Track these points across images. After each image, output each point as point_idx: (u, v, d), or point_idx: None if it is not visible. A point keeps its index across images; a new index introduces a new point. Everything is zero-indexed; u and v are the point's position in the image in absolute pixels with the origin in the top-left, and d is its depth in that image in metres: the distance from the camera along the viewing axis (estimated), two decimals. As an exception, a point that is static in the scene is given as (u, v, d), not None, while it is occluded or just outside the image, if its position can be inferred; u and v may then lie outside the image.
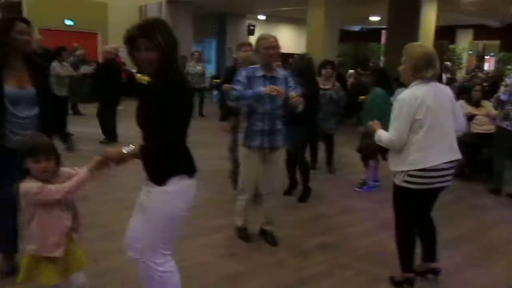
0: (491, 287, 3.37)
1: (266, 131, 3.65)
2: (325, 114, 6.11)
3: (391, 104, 5.21)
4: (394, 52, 12.47)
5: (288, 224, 4.38)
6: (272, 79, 3.61)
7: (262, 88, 3.47)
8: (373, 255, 3.80)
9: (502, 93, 5.45)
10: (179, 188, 2.27)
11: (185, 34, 16.29)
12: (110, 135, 7.73)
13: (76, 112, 10.53)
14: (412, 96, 2.94)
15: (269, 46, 3.58)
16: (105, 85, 7.70)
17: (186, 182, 2.30)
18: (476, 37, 20.11)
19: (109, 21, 14.66)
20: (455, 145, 3.07)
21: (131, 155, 2.20)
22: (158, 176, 2.26)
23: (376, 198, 5.36)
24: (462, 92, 7.54)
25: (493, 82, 9.44)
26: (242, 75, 3.62)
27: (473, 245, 4.15)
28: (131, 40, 2.19)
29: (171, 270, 2.39)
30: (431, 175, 2.97)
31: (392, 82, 5.56)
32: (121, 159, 2.20)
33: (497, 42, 19.35)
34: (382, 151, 5.46)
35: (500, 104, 5.49)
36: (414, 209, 3.16)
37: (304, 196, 5.15)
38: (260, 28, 19.97)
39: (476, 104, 6.32)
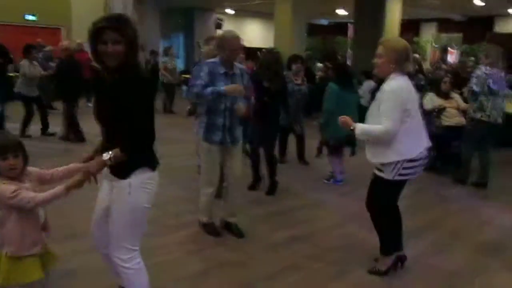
0: (455, 272, 3.47)
1: (227, 126, 3.70)
2: (297, 108, 6.17)
3: (349, 99, 5.34)
4: (361, 45, 12.78)
5: (257, 218, 4.40)
6: (232, 75, 3.68)
7: (224, 88, 3.53)
8: (342, 247, 3.85)
9: (474, 85, 5.42)
10: (142, 181, 2.30)
11: (152, 28, 16.10)
12: (76, 134, 7.50)
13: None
14: (401, 87, 3.02)
15: (237, 47, 3.64)
16: (66, 84, 7.40)
17: (149, 174, 2.33)
18: (440, 30, 20.59)
19: (73, 15, 14.25)
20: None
21: (114, 160, 2.18)
22: (122, 170, 2.26)
23: (343, 191, 5.45)
24: (431, 84, 7.58)
25: (456, 73, 9.68)
26: (204, 70, 3.63)
27: (437, 233, 4.27)
28: (97, 33, 2.16)
29: (137, 268, 2.37)
30: (419, 163, 3.11)
31: (352, 77, 5.63)
32: (104, 167, 2.20)
33: (459, 35, 19.87)
34: (348, 146, 5.56)
35: (473, 96, 5.48)
36: (395, 198, 3.26)
37: (272, 190, 5.16)
38: (228, 22, 19.87)
39: (446, 96, 6.27)
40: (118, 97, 2.19)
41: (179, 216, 4.35)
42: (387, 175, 3.10)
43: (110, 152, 2.17)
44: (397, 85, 3.03)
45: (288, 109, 5.49)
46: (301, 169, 6.48)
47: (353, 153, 5.60)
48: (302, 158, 6.67)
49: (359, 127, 3.13)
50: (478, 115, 5.46)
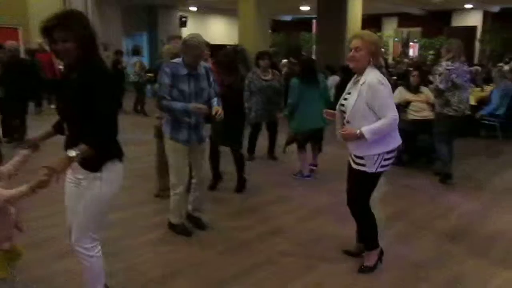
0: (423, 261, 3.56)
1: (193, 125, 3.70)
2: (271, 104, 6.19)
3: (314, 94, 5.42)
4: (324, 41, 12.92)
5: (226, 216, 4.40)
6: (196, 76, 3.67)
7: (191, 105, 3.55)
8: (312, 240, 3.89)
9: (439, 83, 5.42)
10: (111, 173, 2.37)
11: (114, 27, 15.73)
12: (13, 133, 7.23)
13: None
14: (382, 77, 3.07)
15: (200, 53, 3.64)
16: (10, 85, 7.05)
17: (117, 166, 2.41)
18: (401, 24, 21.09)
19: (30, 14, 13.75)
20: None
21: (81, 157, 2.14)
22: (94, 163, 2.28)
23: (311, 185, 5.51)
24: (400, 78, 7.65)
25: (418, 67, 9.92)
26: (167, 73, 3.60)
27: (404, 223, 4.37)
28: (47, 31, 2.19)
29: (98, 255, 2.48)
30: (395, 154, 3.17)
31: (316, 72, 5.68)
32: (69, 165, 2.16)
33: (419, 29, 20.41)
34: (314, 141, 5.62)
35: (438, 92, 5.49)
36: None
37: (240, 187, 5.16)
38: (192, 19, 19.72)
39: (415, 90, 6.27)
40: (77, 93, 2.20)
41: (148, 218, 4.30)
42: (370, 168, 3.10)
43: (76, 149, 2.13)
44: (378, 76, 3.05)
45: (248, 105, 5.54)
46: (269, 164, 6.50)
47: (319, 149, 5.65)
48: (272, 154, 6.72)
49: (368, 130, 2.97)
50: (445, 110, 5.48)
